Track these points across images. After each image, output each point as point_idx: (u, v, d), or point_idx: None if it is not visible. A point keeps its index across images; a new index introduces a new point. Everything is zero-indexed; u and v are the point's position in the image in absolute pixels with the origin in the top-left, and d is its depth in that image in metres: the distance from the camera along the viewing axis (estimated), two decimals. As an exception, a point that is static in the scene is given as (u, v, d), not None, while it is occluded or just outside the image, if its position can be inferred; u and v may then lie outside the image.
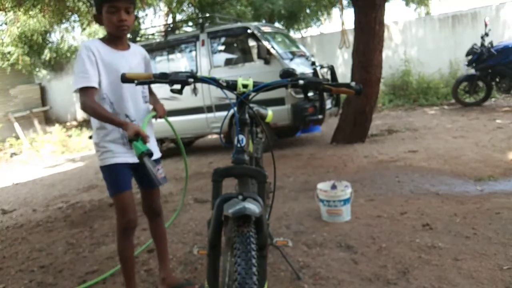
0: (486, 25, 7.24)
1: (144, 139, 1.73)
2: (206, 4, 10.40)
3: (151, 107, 2.10)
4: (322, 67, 5.98)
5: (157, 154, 2.09)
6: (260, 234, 1.28)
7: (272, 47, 5.71)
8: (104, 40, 1.97)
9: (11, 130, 10.81)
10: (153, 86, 1.84)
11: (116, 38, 1.96)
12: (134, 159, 1.97)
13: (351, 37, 5.89)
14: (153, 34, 7.64)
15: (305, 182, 4.06)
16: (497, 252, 2.22)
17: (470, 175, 3.69)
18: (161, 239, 2.25)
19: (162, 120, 2.13)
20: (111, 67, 1.91)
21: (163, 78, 1.56)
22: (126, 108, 1.96)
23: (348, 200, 2.93)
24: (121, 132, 1.94)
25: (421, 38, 10.09)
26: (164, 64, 6.68)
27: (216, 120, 6.12)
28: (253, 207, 1.25)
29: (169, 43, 6.57)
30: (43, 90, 12.79)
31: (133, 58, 2.02)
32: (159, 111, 2.07)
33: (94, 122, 1.97)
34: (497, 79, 7.22)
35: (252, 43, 6.54)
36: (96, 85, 1.87)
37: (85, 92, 1.85)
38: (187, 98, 5.99)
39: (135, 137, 1.70)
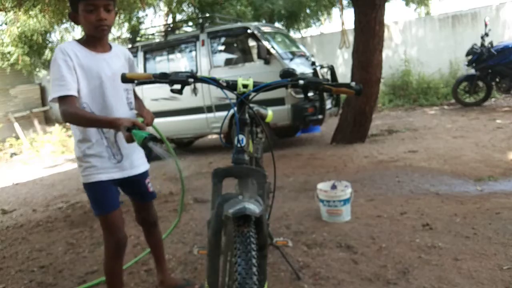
0: (486, 25, 7.25)
1: (141, 129, 1.58)
2: (206, 4, 10.40)
3: (136, 112, 1.93)
4: (322, 67, 5.98)
5: (145, 166, 1.99)
6: (260, 234, 1.28)
7: (272, 47, 5.72)
8: (82, 41, 1.76)
9: (11, 130, 10.80)
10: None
11: (95, 40, 1.76)
12: (120, 174, 1.83)
13: (351, 37, 5.90)
14: (153, 34, 7.64)
15: (305, 182, 4.06)
16: (497, 252, 2.22)
17: (470, 175, 3.69)
18: (158, 248, 2.20)
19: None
20: (91, 72, 1.72)
21: (163, 78, 1.55)
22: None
23: (348, 200, 2.93)
24: (105, 144, 1.78)
25: (421, 38, 10.09)
26: (164, 64, 6.69)
27: (216, 120, 6.12)
28: (253, 207, 1.25)
29: (169, 43, 6.57)
30: (43, 90, 12.77)
31: (116, 61, 1.82)
32: (147, 118, 1.86)
33: (76, 134, 1.79)
34: (497, 79, 7.22)
35: (252, 43, 6.55)
36: (74, 93, 1.67)
37: (64, 101, 1.65)
38: (187, 98, 6.00)
39: (133, 127, 1.56)
